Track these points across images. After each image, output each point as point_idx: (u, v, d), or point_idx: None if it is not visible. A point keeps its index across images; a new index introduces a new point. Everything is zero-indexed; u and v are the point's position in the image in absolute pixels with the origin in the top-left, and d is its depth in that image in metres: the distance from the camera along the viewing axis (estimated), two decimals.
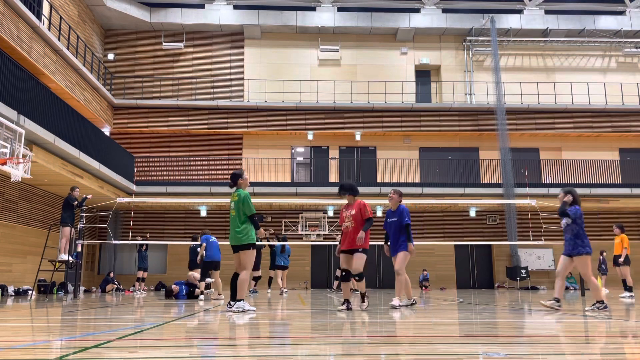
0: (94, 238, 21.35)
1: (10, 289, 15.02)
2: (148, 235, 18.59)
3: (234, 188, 7.59)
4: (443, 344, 3.94)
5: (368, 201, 8.63)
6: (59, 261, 13.05)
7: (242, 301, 7.17)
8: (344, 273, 7.83)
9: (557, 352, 3.50)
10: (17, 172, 11.28)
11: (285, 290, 15.92)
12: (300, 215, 22.40)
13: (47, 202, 17.72)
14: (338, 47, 25.04)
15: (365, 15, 25.10)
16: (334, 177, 23.70)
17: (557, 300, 7.42)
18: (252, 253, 7.32)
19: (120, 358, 3.24)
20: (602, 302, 7.30)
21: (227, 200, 9.19)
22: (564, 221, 7.62)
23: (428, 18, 25.19)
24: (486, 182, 23.12)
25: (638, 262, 20.73)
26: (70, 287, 17.34)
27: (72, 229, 13.17)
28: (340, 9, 25.33)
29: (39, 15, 17.45)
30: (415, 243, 8.41)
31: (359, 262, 7.58)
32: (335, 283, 18.53)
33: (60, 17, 18.97)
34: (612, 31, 25.52)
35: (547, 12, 25.75)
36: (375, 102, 24.04)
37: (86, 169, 16.53)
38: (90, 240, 20.57)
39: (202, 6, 24.75)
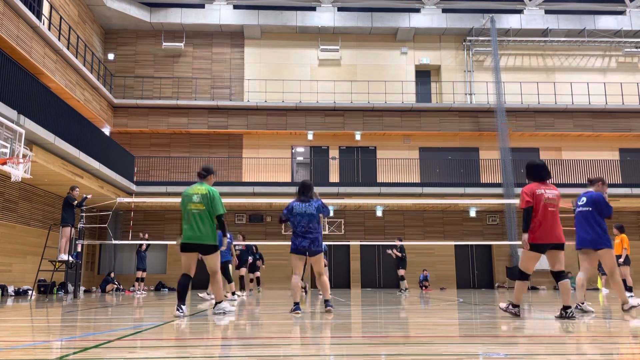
0: (94, 238, 21.34)
1: (10, 289, 15.02)
2: (145, 235, 18.49)
3: (201, 182, 7.09)
4: (443, 344, 3.94)
5: (368, 201, 8.52)
6: (59, 261, 13.05)
7: (221, 302, 7.06)
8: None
9: (557, 352, 3.50)
10: (17, 172, 11.28)
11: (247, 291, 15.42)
12: None
13: (47, 202, 17.72)
14: (338, 47, 25.03)
15: (365, 15, 25.08)
16: (334, 177, 23.67)
17: None
18: (218, 255, 7.03)
19: (120, 358, 3.24)
20: (297, 303, 7.13)
21: (227, 200, 8.74)
22: None
23: (428, 18, 25.18)
24: (486, 182, 23.08)
25: (638, 262, 20.70)
26: (70, 287, 17.33)
27: (72, 229, 13.18)
28: (340, 9, 25.31)
29: (39, 15, 17.44)
30: (415, 243, 8.15)
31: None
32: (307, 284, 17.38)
33: (60, 17, 18.96)
34: (612, 31, 25.51)
35: (547, 12, 25.73)
36: (375, 102, 24.02)
37: (86, 169, 16.52)
38: (90, 240, 20.56)
39: (202, 6, 24.74)
